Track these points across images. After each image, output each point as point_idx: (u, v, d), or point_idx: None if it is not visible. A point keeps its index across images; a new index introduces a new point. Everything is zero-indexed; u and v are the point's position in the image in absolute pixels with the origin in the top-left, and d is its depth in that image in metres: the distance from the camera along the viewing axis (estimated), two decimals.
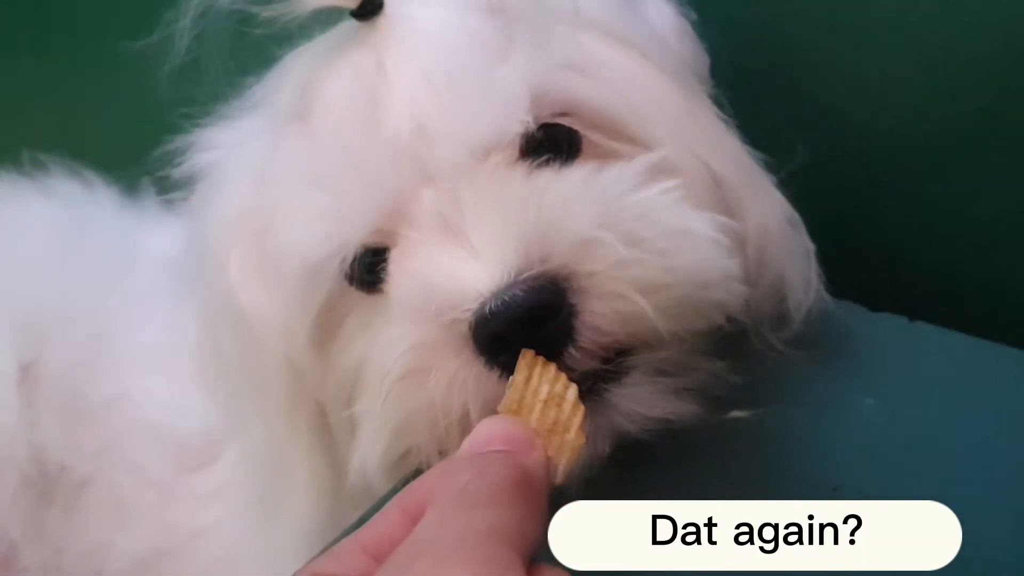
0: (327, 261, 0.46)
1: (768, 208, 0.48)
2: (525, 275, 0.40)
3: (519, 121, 0.44)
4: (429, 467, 0.42)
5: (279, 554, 0.53)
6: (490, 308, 0.40)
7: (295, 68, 0.49)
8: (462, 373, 0.41)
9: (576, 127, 0.47)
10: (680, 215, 0.43)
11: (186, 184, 0.53)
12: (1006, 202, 0.54)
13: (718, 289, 0.43)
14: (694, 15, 0.53)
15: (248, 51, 0.52)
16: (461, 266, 0.42)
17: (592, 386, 0.42)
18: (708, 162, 0.47)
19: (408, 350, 0.42)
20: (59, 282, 0.69)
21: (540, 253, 0.41)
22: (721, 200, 0.47)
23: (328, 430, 0.50)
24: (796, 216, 0.49)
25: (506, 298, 0.40)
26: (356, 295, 0.47)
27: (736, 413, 0.44)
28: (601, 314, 0.41)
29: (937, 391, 0.45)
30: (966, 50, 0.52)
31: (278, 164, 0.49)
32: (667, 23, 0.52)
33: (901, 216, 0.57)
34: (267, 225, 0.48)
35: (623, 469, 0.43)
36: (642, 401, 0.43)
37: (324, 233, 0.46)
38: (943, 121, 0.54)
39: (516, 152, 0.45)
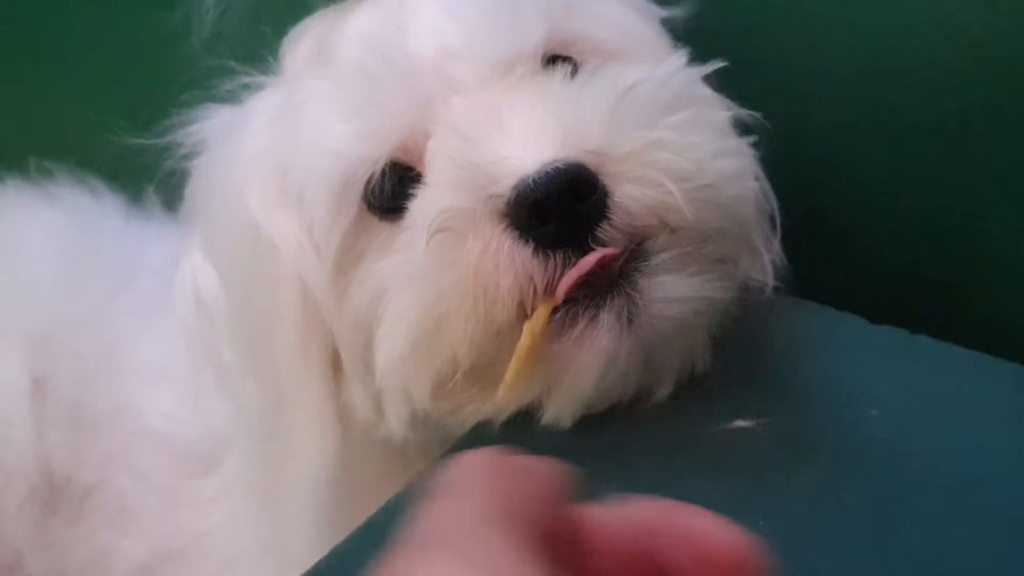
0: (353, 180, 0.47)
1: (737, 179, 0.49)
2: (564, 155, 0.42)
3: (536, 37, 0.47)
4: (459, 356, 0.43)
5: (280, 554, 0.53)
6: (533, 180, 0.41)
7: (314, 23, 0.51)
8: (497, 242, 0.42)
9: (580, 58, 0.49)
10: (699, 109, 0.46)
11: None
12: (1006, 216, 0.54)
13: (736, 183, 0.45)
14: None
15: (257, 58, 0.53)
16: (501, 147, 0.43)
17: (626, 270, 0.43)
18: (694, 95, 0.49)
19: (447, 209, 0.43)
20: (66, 294, 0.70)
21: (576, 138, 0.43)
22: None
23: (338, 372, 0.50)
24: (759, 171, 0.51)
25: (548, 171, 0.41)
26: (378, 225, 0.48)
27: (739, 423, 0.44)
28: (633, 197, 0.43)
29: (938, 404, 0.45)
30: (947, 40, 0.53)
31: (300, 99, 0.49)
32: None
33: (904, 230, 0.58)
34: (290, 155, 0.49)
35: (618, 477, 0.43)
36: (674, 278, 0.44)
37: (351, 150, 0.47)
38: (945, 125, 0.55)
39: (537, 65, 0.47)
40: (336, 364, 0.50)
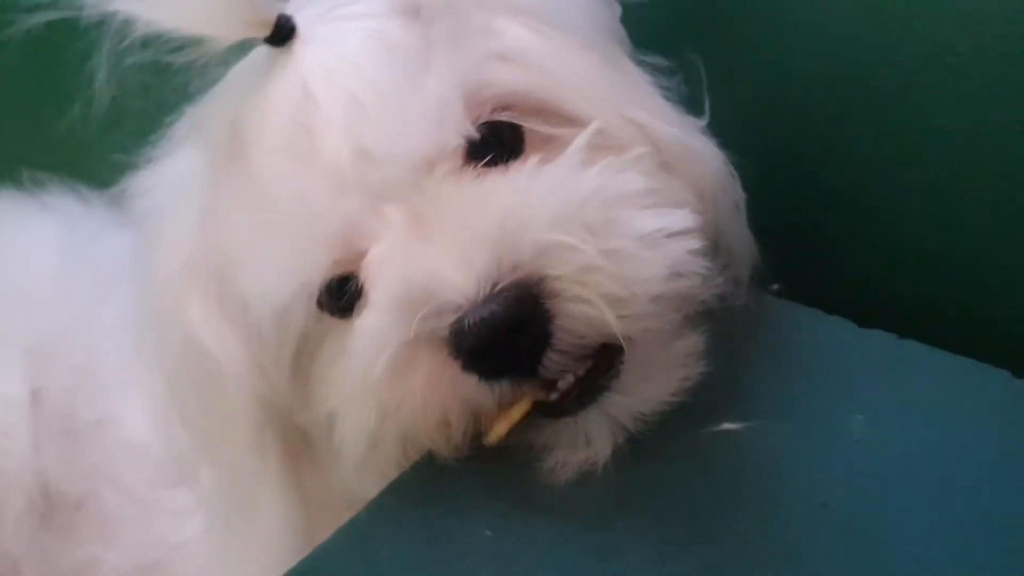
0: (294, 302, 0.46)
1: (706, 162, 0.49)
2: (500, 286, 0.40)
3: (456, 128, 0.44)
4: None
5: (259, 562, 0.53)
6: (468, 323, 0.40)
7: (221, 102, 0.48)
8: (441, 370, 0.42)
9: (515, 120, 0.46)
10: (635, 211, 0.44)
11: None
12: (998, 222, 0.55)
13: (676, 279, 0.43)
14: None
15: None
16: (435, 270, 0.42)
17: (586, 390, 0.43)
18: (643, 126, 0.48)
19: (392, 347, 0.42)
20: (59, 304, 0.71)
21: (510, 260, 0.41)
22: (663, 163, 0.48)
23: (299, 456, 0.50)
24: (730, 167, 0.51)
25: (484, 315, 0.40)
26: (329, 321, 0.47)
27: (727, 426, 0.44)
28: (575, 317, 0.41)
29: (925, 409, 0.45)
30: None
31: (220, 205, 0.48)
32: None
33: (891, 232, 0.58)
34: (222, 267, 0.48)
35: (609, 481, 0.43)
36: (644, 382, 0.44)
37: (284, 277, 0.45)
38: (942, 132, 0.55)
39: (460, 159, 0.45)
40: (293, 448, 0.50)
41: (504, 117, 0.46)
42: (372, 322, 0.43)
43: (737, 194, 0.51)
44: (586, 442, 0.44)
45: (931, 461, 0.43)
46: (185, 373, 0.50)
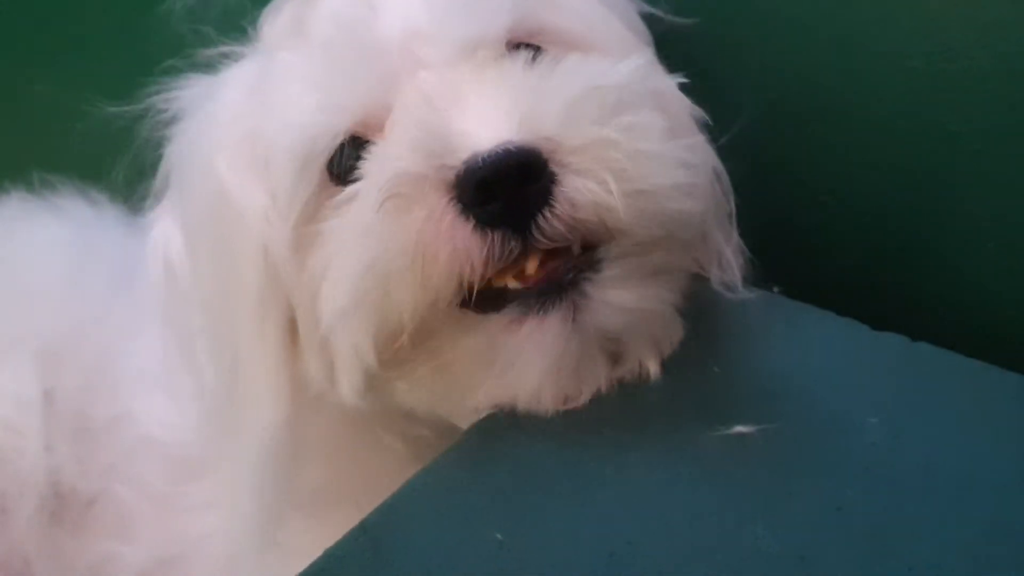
0: (315, 151, 0.48)
1: (697, 131, 0.51)
2: (518, 139, 0.43)
3: (502, 22, 0.48)
4: (401, 319, 0.44)
5: (235, 514, 0.54)
6: (483, 157, 0.42)
7: (285, 4, 0.52)
8: (440, 212, 0.43)
9: (547, 46, 0.49)
10: (654, 124, 0.46)
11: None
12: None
13: (676, 196, 0.45)
14: None
15: None
16: (459, 122, 0.44)
17: (569, 279, 0.44)
18: (662, 94, 0.50)
19: (400, 173, 0.44)
20: (70, 304, 0.71)
21: (532, 123, 0.43)
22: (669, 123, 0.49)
23: (294, 340, 0.51)
24: (725, 176, 0.52)
25: (499, 151, 0.42)
26: (336, 190, 0.48)
27: (740, 428, 0.44)
28: (578, 189, 0.43)
29: (939, 412, 0.45)
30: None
31: (273, 72, 0.51)
32: None
33: (904, 237, 0.58)
34: (260, 126, 0.50)
35: (621, 484, 0.43)
36: (620, 285, 0.45)
37: (314, 122, 0.48)
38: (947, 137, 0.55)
39: (502, 50, 0.48)
40: (293, 332, 0.51)
41: (537, 42, 0.49)
42: (382, 155, 0.46)
43: (728, 203, 0.53)
44: (551, 347, 0.45)
45: (946, 464, 0.43)
46: (205, 228, 0.52)
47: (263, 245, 0.50)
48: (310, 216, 0.49)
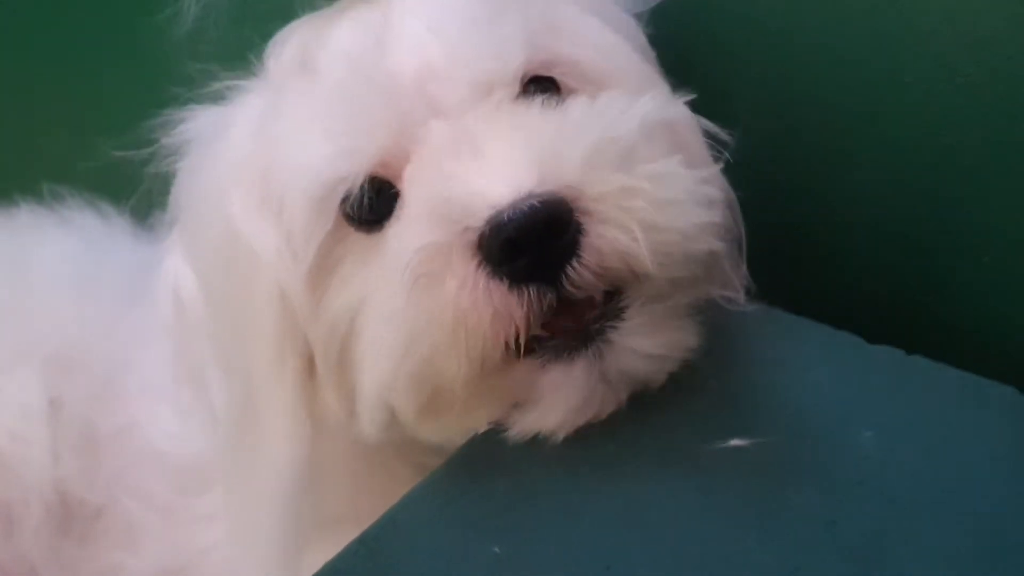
0: (331, 195, 0.47)
1: (709, 163, 0.51)
2: (541, 190, 0.42)
3: (517, 60, 0.47)
4: (453, 388, 0.44)
5: (252, 552, 0.54)
6: (508, 215, 0.42)
7: (298, 29, 0.52)
8: (473, 279, 0.43)
9: (559, 78, 0.50)
10: (672, 163, 0.46)
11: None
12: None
13: (702, 238, 0.45)
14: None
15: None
16: (477, 178, 0.43)
17: (594, 330, 0.44)
18: (672, 124, 0.50)
19: (423, 247, 0.44)
20: (78, 315, 0.72)
21: (553, 173, 0.43)
22: (683, 156, 0.49)
23: (312, 375, 0.51)
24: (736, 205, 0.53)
25: (524, 208, 0.42)
26: (354, 236, 0.49)
27: (735, 442, 0.45)
28: (604, 237, 0.43)
29: (933, 426, 0.45)
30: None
31: (282, 110, 0.50)
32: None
33: (899, 251, 0.58)
34: (271, 165, 0.50)
35: (616, 496, 0.44)
36: (644, 332, 0.45)
37: (330, 167, 0.47)
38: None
39: (517, 89, 0.48)
40: (310, 367, 0.51)
41: (553, 74, 0.50)
42: (406, 227, 0.45)
43: (739, 229, 0.53)
44: (577, 392, 0.45)
45: (939, 478, 0.43)
46: (218, 270, 0.52)
47: (278, 285, 0.50)
48: (325, 256, 0.49)
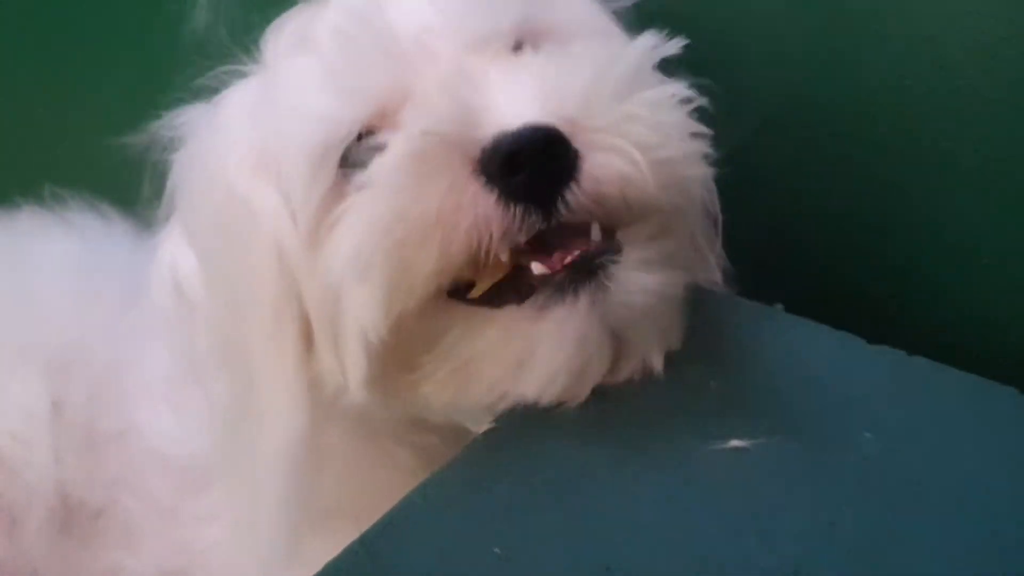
0: (332, 143, 0.48)
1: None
2: (544, 118, 0.44)
3: (512, 19, 0.49)
4: (413, 284, 0.44)
5: (254, 535, 0.54)
6: (509, 132, 0.43)
7: (294, 16, 0.53)
8: (464, 183, 0.44)
9: (546, 43, 0.50)
10: (662, 86, 0.48)
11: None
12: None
13: (694, 162, 0.47)
14: None
15: None
16: (483, 100, 0.45)
17: (590, 265, 0.45)
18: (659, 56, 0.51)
19: (428, 131, 0.44)
20: (79, 317, 0.72)
21: (555, 105, 0.44)
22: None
23: (309, 342, 0.51)
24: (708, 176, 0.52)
25: (526, 129, 0.43)
26: (353, 194, 0.48)
27: (735, 443, 0.45)
28: (602, 165, 0.44)
29: (934, 427, 0.45)
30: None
31: (280, 78, 0.51)
32: None
33: (898, 253, 0.58)
34: (269, 128, 0.50)
35: (616, 498, 0.44)
36: (641, 270, 0.45)
37: (330, 112, 0.48)
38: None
39: (511, 43, 0.49)
40: (307, 337, 0.51)
41: (539, 41, 0.50)
42: (415, 121, 0.46)
43: (714, 209, 0.54)
44: (575, 341, 0.45)
45: (940, 479, 0.43)
46: (216, 236, 0.52)
47: (278, 245, 0.50)
48: (324, 213, 0.49)
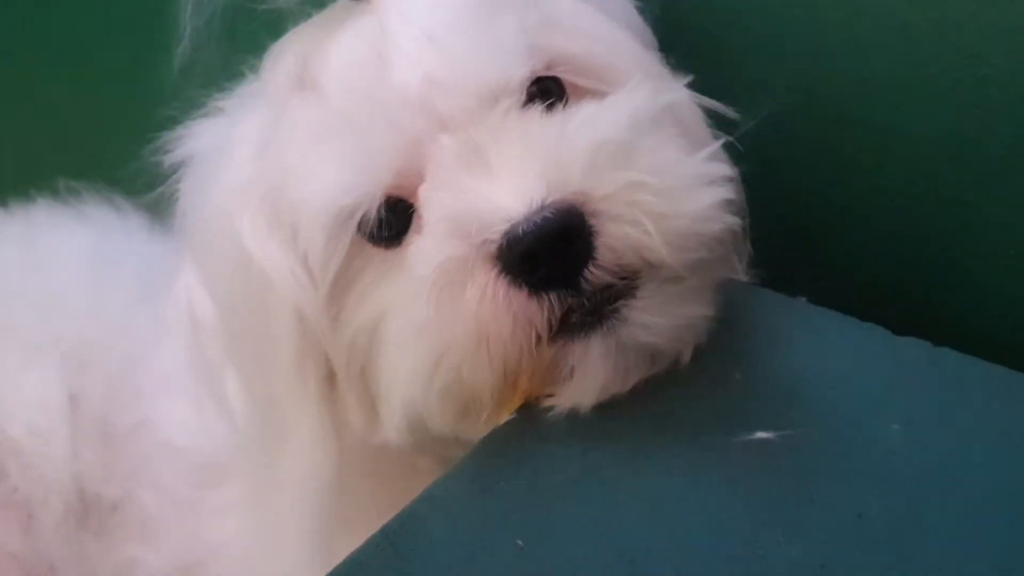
0: (349, 214, 0.48)
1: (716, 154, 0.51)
2: (551, 199, 0.43)
3: (521, 69, 0.47)
4: (481, 398, 0.45)
5: (280, 562, 0.53)
6: (523, 228, 0.43)
7: (294, 41, 0.51)
8: (493, 288, 0.44)
9: (563, 76, 0.50)
10: (673, 149, 0.47)
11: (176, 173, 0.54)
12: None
13: (711, 218, 0.46)
14: None
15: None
16: (490, 193, 0.44)
17: (608, 305, 0.45)
18: (673, 106, 0.51)
19: (444, 260, 0.44)
20: (95, 311, 0.72)
21: (560, 179, 0.44)
22: (685, 138, 0.50)
23: (332, 386, 0.51)
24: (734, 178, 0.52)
25: (538, 220, 0.43)
26: (372, 250, 0.49)
27: (761, 435, 0.44)
28: (617, 236, 0.44)
29: (960, 418, 0.45)
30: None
31: (285, 128, 0.50)
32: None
33: (926, 244, 0.58)
34: (279, 186, 0.50)
35: (641, 489, 0.43)
36: (656, 309, 0.46)
37: (346, 184, 0.47)
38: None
39: (522, 98, 0.48)
40: (330, 379, 0.51)
41: (556, 73, 0.50)
42: (427, 244, 0.46)
43: (742, 206, 0.53)
44: (593, 367, 0.45)
45: (968, 471, 0.42)
46: (232, 292, 0.52)
47: (296, 308, 0.50)
48: (343, 273, 0.49)
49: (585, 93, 0.50)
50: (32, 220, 0.79)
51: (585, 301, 0.45)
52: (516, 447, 0.47)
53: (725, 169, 0.48)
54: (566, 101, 0.50)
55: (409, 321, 0.46)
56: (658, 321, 0.46)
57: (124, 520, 0.68)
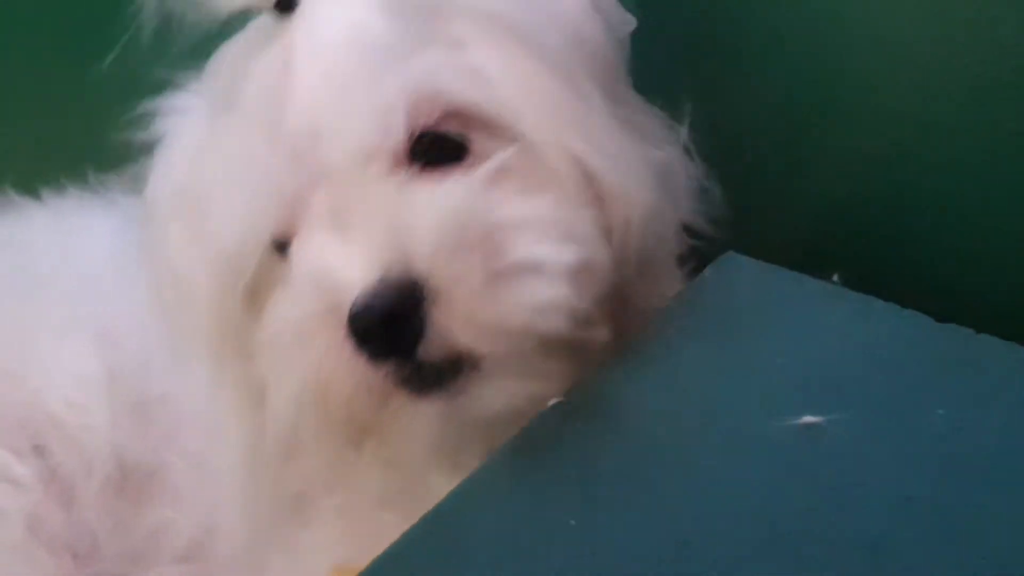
0: (247, 249, 0.51)
1: (635, 200, 0.51)
2: (389, 280, 0.45)
3: (395, 132, 0.48)
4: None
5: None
6: (358, 306, 0.45)
7: (227, 57, 0.52)
8: (336, 349, 0.46)
9: (461, 131, 0.50)
10: (525, 237, 0.48)
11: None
12: None
13: (551, 316, 0.47)
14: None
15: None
16: (342, 259, 0.47)
17: (448, 374, 0.47)
18: (580, 157, 0.50)
19: (294, 319, 0.48)
20: (124, 290, 0.73)
21: (402, 258, 0.46)
22: (592, 194, 0.51)
23: (254, 390, 0.53)
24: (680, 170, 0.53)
25: (371, 301, 0.45)
26: (284, 263, 0.51)
27: (808, 419, 0.44)
28: (446, 326, 0.46)
29: (1004, 404, 0.45)
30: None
31: (210, 147, 0.52)
32: (576, 14, 0.53)
33: (966, 233, 0.58)
34: (200, 204, 0.52)
35: (689, 474, 0.44)
36: (494, 386, 0.48)
37: (239, 227, 0.50)
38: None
39: (399, 157, 0.49)
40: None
41: (452, 127, 0.49)
42: (287, 295, 0.50)
43: (679, 207, 0.54)
44: (421, 429, 0.48)
45: (1013, 455, 0.42)
46: (167, 292, 0.56)
47: (217, 315, 0.53)
48: (260, 281, 0.52)
49: (488, 152, 0.50)
50: (63, 208, 0.81)
51: (427, 367, 0.47)
52: (562, 431, 0.47)
53: (592, 230, 0.49)
54: (463, 159, 0.50)
55: (275, 362, 0.50)
56: (494, 396, 0.48)
57: (157, 488, 0.70)
